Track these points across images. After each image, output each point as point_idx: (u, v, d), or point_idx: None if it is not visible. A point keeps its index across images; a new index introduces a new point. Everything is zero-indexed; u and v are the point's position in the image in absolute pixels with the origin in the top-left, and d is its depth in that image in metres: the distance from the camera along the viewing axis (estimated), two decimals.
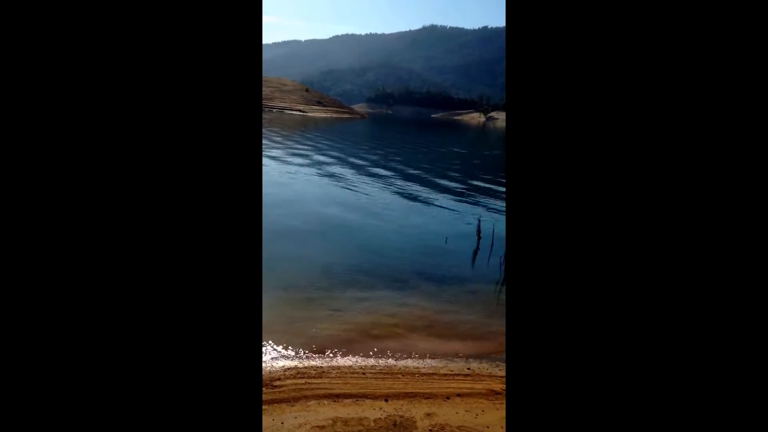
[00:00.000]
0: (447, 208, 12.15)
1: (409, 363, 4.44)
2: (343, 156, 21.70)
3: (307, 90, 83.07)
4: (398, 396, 3.75)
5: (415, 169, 19.52)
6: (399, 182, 15.65)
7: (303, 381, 3.93)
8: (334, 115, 70.39)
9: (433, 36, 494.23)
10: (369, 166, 18.96)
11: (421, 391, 3.86)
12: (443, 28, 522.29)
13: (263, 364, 4.17)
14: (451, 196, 13.87)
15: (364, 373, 4.15)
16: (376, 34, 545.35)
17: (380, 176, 16.56)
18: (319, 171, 16.41)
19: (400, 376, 4.15)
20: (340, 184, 14.24)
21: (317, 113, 68.64)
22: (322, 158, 20.03)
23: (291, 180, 14.11)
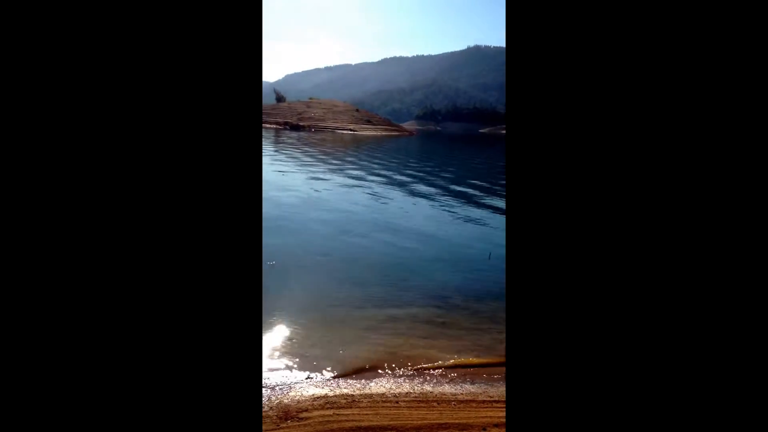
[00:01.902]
0: (493, 222, 11.75)
1: (446, 389, 4.13)
2: (391, 172, 21.63)
3: (357, 110, 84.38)
4: (431, 427, 3.45)
5: (462, 183, 19.15)
6: (444, 196, 15.35)
7: (331, 412, 3.70)
8: (384, 133, 70.95)
9: (477, 56, 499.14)
10: (415, 182, 18.77)
11: (456, 421, 3.55)
12: (486, 48, 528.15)
13: (292, 392, 3.99)
14: (497, 211, 13.44)
15: (397, 402, 3.88)
16: (422, 55, 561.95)
17: (424, 191, 16.32)
18: (357, 184, 16.37)
19: (435, 404, 3.85)
20: (382, 195, 14.11)
21: (367, 131, 69.42)
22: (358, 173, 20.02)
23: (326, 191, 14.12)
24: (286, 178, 17.09)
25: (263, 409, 3.66)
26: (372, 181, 18.21)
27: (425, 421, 3.55)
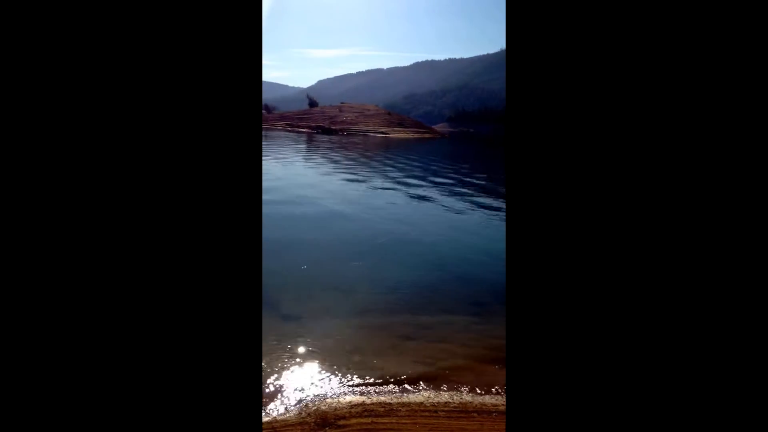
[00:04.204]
0: None
1: (486, 399, 4.02)
2: (409, 172, 21.52)
3: (389, 113, 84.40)
4: None
5: (493, 188, 18.91)
6: (478, 199, 15.16)
7: (369, 420, 3.65)
8: (416, 136, 70.73)
9: None
10: (448, 183, 18.62)
11: None
12: None
13: (328, 399, 3.95)
14: None
15: (436, 411, 3.80)
16: (454, 59, 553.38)
17: (454, 192, 16.16)
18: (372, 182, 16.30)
19: (475, 414, 3.75)
20: (415, 197, 14.02)
21: (399, 134, 69.36)
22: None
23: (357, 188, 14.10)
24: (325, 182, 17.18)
25: (300, 416, 3.63)
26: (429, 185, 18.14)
27: None
